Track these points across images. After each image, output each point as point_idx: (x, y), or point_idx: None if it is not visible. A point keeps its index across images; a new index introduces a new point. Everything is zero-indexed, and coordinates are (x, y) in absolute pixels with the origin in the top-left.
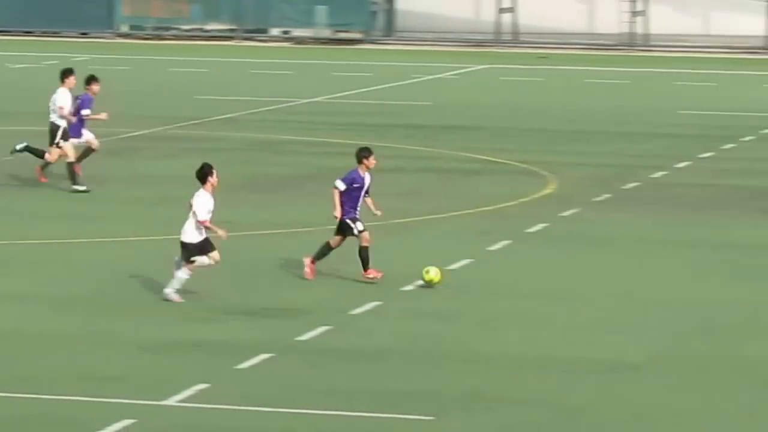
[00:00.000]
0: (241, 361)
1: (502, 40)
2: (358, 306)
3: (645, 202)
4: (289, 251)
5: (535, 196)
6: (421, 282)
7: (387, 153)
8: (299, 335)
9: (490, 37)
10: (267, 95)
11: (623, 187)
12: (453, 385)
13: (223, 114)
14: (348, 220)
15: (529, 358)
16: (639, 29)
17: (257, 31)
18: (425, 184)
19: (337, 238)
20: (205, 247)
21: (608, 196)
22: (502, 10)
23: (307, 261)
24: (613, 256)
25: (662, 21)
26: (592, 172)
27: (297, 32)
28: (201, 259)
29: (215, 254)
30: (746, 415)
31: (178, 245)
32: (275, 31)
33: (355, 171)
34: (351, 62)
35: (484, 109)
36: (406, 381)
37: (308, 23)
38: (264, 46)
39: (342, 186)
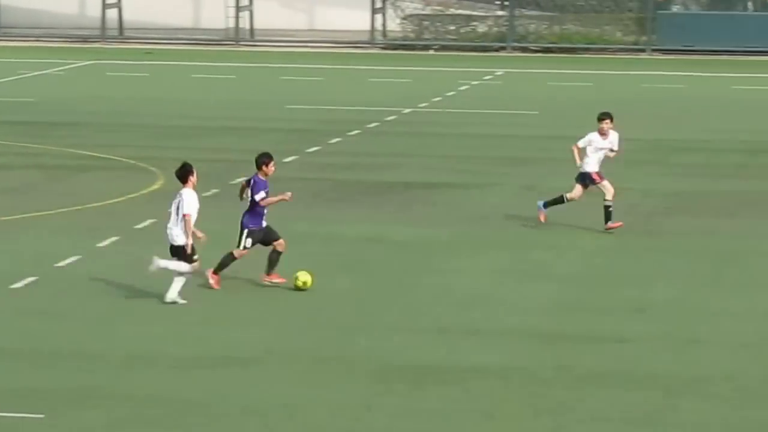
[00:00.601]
0: None
1: (108, 35)
2: None
3: None
4: None
5: (144, 192)
6: (33, 278)
7: None
8: None
9: (96, 32)
10: None
11: (232, 182)
12: (63, 383)
13: None
14: (244, 231)
15: (138, 354)
16: (245, 24)
17: None
18: (32, 181)
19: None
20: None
21: (216, 191)
22: (107, 6)
23: (210, 276)
24: (222, 251)
25: (268, 16)
26: (200, 168)
27: None
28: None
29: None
30: (359, 407)
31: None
32: None
33: (258, 178)
34: None
35: (90, 105)
36: (15, 379)
37: None
38: None
39: (264, 195)
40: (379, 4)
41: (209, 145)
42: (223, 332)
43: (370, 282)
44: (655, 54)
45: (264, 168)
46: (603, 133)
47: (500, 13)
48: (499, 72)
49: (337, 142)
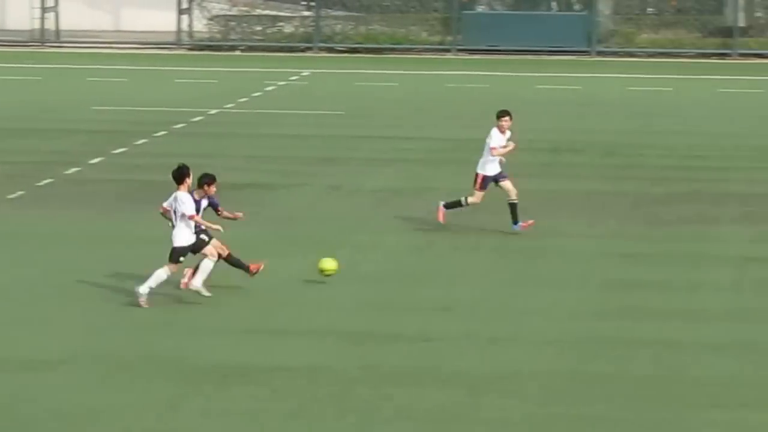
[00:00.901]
0: None
1: None
2: None
3: (59, 199)
4: None
5: None
6: None
7: None
8: None
9: None
10: None
11: (37, 184)
12: None
13: None
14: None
15: None
16: (50, 25)
17: None
18: None
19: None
20: (199, 246)
21: (22, 193)
22: None
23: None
24: (25, 252)
25: (74, 17)
26: (5, 170)
27: None
28: (204, 265)
29: (210, 248)
30: (164, 408)
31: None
32: None
33: (192, 195)
34: None
35: None
36: None
37: None
38: None
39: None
40: (185, 5)
41: (14, 147)
42: (29, 334)
43: (176, 283)
44: (460, 54)
45: (206, 187)
46: (503, 131)
47: (306, 13)
48: (306, 72)
49: (143, 143)
